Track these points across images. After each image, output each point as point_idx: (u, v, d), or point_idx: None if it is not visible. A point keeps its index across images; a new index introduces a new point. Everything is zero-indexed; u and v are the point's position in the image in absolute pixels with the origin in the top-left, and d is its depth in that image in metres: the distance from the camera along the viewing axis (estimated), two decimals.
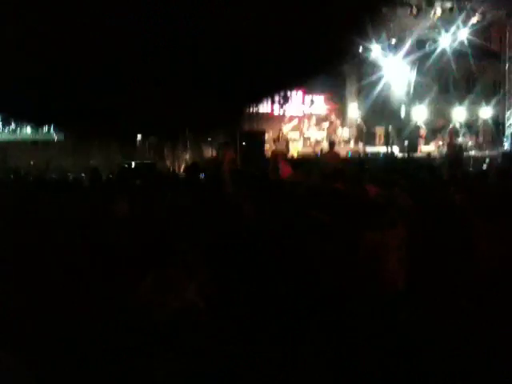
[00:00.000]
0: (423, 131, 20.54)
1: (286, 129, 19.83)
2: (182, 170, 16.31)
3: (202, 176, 10.07)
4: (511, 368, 2.96)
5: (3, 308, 3.52)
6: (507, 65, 19.84)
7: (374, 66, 21.57)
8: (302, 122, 20.69)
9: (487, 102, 22.27)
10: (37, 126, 17.76)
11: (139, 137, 18.54)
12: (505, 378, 2.92)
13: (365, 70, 21.88)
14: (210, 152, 19.07)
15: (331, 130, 20.44)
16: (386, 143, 20.00)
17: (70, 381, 2.89)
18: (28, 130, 18.79)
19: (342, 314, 3.03)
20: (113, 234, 4.75)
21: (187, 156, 18.20)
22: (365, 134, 21.05)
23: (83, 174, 11.48)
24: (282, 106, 20.47)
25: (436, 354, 2.12)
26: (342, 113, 22.06)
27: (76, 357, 3.04)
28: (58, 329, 3.34)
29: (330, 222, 4.56)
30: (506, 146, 19.30)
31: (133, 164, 13.00)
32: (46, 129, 18.65)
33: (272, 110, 22.74)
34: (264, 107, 22.70)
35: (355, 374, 1.94)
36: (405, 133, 21.04)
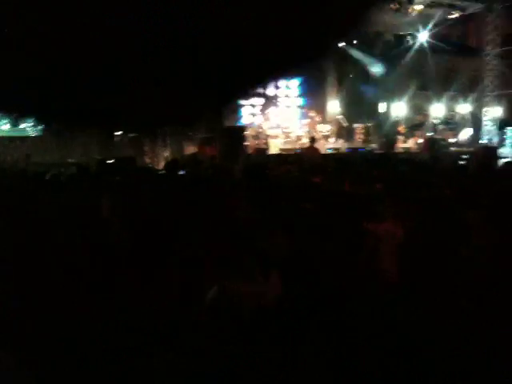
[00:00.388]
0: (402, 128, 20.72)
1: (266, 125, 19.84)
2: (162, 167, 16.19)
3: (181, 172, 9.98)
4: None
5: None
6: (485, 60, 20.07)
7: (354, 62, 21.68)
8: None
9: (465, 98, 22.56)
10: (16, 119, 17.47)
11: (119, 133, 18.42)
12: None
13: (344, 66, 21.98)
14: (190, 148, 18.98)
15: (311, 126, 20.49)
16: (365, 140, 20.13)
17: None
18: (6, 126, 18.49)
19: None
20: (100, 233, 4.69)
21: (167, 152, 18.10)
22: (344, 131, 21.15)
23: (63, 170, 11.30)
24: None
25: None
26: (322, 109, 22.13)
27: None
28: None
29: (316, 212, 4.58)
30: (485, 141, 19.55)
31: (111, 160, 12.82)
32: (23, 125, 18.40)
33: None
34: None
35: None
36: (384, 129, 21.20)
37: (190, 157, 16.78)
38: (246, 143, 18.06)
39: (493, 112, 19.93)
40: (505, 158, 17.30)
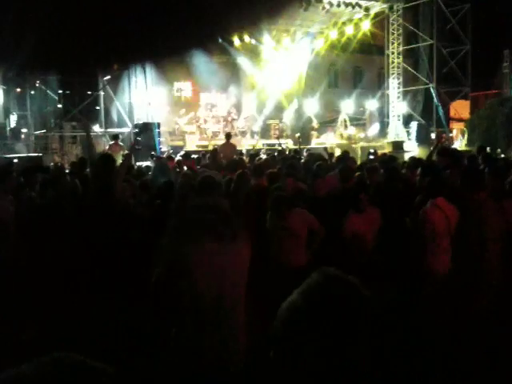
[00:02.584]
0: (315, 124, 21.27)
1: (182, 121, 19.55)
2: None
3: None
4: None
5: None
6: (390, 58, 21.07)
7: (268, 59, 21.94)
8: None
9: (373, 95, 23.59)
10: None
11: (24, 129, 17.35)
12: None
13: (259, 62, 22.18)
14: (102, 145, 18.33)
15: (229, 122, 20.46)
16: (279, 135, 20.43)
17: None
18: None
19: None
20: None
21: (78, 150, 17.33)
22: (260, 127, 21.36)
23: None
24: None
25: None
26: (238, 105, 22.19)
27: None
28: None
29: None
30: (392, 137, 20.51)
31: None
32: None
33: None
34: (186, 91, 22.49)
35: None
36: (297, 125, 21.66)
37: (102, 155, 16.15)
38: (160, 139, 17.73)
39: (398, 108, 20.98)
40: (409, 151, 18.29)
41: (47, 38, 14.21)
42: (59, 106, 17.99)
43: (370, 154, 11.56)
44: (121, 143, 14.19)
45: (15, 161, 11.50)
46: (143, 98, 20.31)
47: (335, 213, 5.08)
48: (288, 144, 19.29)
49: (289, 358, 1.13)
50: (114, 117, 20.05)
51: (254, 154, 11.68)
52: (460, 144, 20.18)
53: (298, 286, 1.21)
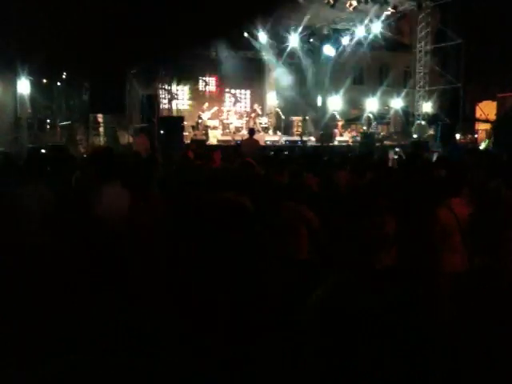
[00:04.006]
0: (339, 121, 21.13)
1: (205, 116, 19.60)
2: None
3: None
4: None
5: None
6: (417, 56, 20.77)
7: (293, 56, 21.84)
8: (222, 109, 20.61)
9: (398, 93, 23.32)
10: None
11: (49, 120, 17.58)
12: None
13: (283, 59, 22.11)
14: (125, 138, 18.47)
15: (252, 118, 20.46)
16: (302, 132, 20.35)
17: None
18: None
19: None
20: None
21: (101, 142, 17.50)
22: (283, 123, 21.32)
23: None
24: None
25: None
26: (261, 101, 22.17)
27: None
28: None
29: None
30: (416, 135, 20.25)
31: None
32: None
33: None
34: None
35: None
36: (321, 122, 21.54)
37: (126, 147, 16.31)
38: (184, 133, 17.79)
39: (423, 107, 20.69)
40: (435, 151, 18.03)
41: (74, 28, 14.39)
42: (85, 97, 18.15)
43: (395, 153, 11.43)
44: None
45: (42, 151, 11.65)
46: (168, 92, 20.44)
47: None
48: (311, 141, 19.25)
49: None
50: (139, 110, 20.18)
51: (276, 149, 11.67)
52: (484, 145, 19.82)
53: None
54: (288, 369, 2.05)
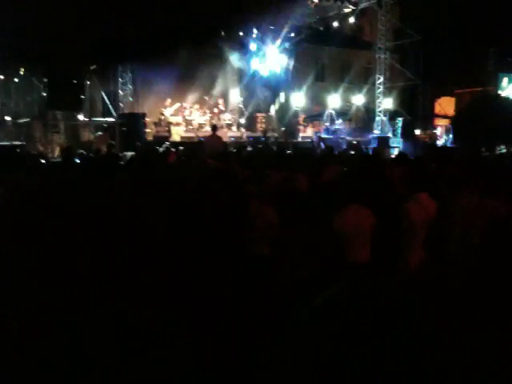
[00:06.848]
0: (301, 117, 21.25)
1: (168, 112, 19.39)
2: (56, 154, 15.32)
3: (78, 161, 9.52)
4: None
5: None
6: (377, 53, 21.07)
7: (255, 52, 21.82)
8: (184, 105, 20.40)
9: (360, 90, 23.66)
10: None
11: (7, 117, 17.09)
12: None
13: (246, 55, 22.07)
14: (86, 135, 18.16)
15: (215, 114, 20.37)
16: (266, 129, 20.41)
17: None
18: None
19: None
20: None
21: (61, 139, 17.14)
22: (246, 120, 21.31)
23: None
24: None
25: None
26: (225, 98, 22.07)
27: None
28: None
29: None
30: (377, 131, 20.56)
31: None
32: None
33: None
34: None
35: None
36: (284, 119, 21.63)
37: (87, 144, 16.03)
38: (146, 130, 17.61)
39: (384, 104, 21.03)
40: (396, 147, 18.41)
41: (33, 24, 14.04)
42: (43, 94, 17.72)
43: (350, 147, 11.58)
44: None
45: None
46: (129, 88, 20.19)
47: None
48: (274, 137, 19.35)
49: None
50: (100, 106, 19.84)
51: (240, 146, 11.69)
52: (444, 141, 20.34)
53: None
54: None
